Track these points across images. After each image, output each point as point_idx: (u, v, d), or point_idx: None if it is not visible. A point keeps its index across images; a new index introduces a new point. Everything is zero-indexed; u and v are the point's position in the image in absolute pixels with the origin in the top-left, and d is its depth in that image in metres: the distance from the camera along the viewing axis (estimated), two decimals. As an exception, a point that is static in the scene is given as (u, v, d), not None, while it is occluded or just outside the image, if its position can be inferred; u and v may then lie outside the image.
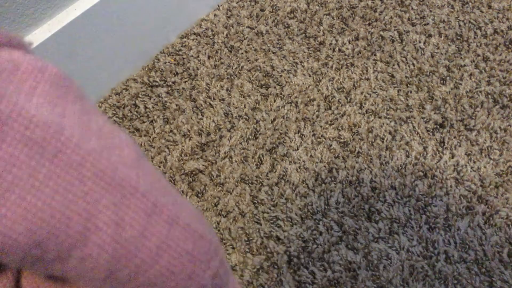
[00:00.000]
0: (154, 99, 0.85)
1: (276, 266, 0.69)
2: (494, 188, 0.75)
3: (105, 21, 0.77)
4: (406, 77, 0.87)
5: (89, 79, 0.81)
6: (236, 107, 0.84)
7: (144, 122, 0.83)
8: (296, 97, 0.85)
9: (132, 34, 0.84)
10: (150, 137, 0.81)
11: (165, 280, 0.24)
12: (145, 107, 0.84)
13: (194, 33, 0.94)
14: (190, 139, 0.80)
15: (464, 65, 0.89)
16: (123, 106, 0.85)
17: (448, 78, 0.87)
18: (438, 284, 0.67)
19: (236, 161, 0.78)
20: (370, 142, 0.80)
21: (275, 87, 0.86)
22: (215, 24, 0.95)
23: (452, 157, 0.78)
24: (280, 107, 0.84)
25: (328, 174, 0.76)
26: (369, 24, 0.94)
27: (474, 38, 0.93)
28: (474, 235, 0.71)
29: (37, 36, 0.69)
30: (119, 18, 0.79)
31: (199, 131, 0.81)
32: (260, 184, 0.76)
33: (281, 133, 0.81)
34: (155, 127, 0.82)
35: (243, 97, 0.85)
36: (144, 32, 0.86)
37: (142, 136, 0.81)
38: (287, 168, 0.77)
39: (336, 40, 0.91)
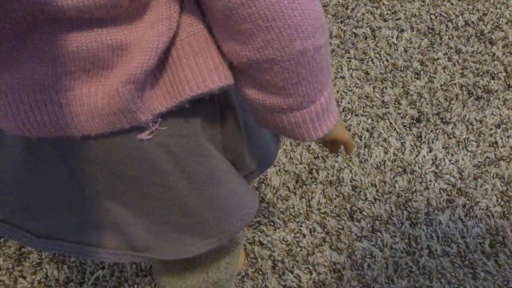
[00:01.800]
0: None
1: (260, 272, 0.68)
2: (473, 180, 0.75)
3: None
4: (380, 73, 0.87)
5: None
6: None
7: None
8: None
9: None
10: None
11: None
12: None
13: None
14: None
15: (438, 58, 0.89)
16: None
17: (422, 72, 0.87)
18: (423, 280, 0.67)
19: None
20: (349, 141, 0.79)
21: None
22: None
23: (430, 151, 0.78)
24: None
25: (308, 175, 0.76)
26: (341, 22, 0.94)
27: (446, 30, 0.94)
28: (456, 228, 0.71)
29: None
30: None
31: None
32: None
33: (259, 137, 0.80)
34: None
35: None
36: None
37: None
38: (267, 172, 0.76)
39: (310, 40, 0.91)
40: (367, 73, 0.87)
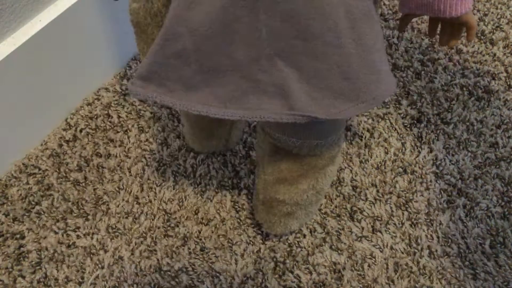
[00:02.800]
0: (128, 108, 0.83)
1: (261, 272, 0.68)
2: (473, 181, 0.75)
3: (72, 31, 0.75)
4: (381, 73, 0.87)
5: (59, 90, 0.79)
6: (212, 112, 0.82)
7: (118, 132, 0.81)
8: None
9: (101, 42, 0.82)
10: (125, 147, 0.79)
11: None
12: (119, 117, 0.82)
13: (166, 38, 0.92)
14: (168, 147, 0.79)
15: (438, 59, 0.89)
16: (95, 116, 0.82)
17: (422, 72, 0.87)
18: (423, 280, 0.67)
19: (214, 168, 0.77)
20: (349, 141, 0.79)
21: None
22: (187, 28, 0.94)
23: (431, 151, 0.78)
24: (257, 110, 0.83)
25: (308, 176, 0.76)
26: (342, 22, 0.94)
27: (446, 31, 0.93)
28: (456, 228, 0.71)
29: (1, 50, 0.67)
30: (87, 27, 0.77)
31: (176, 139, 0.80)
32: (240, 189, 0.75)
33: (259, 136, 0.80)
34: (130, 137, 0.80)
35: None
36: (114, 40, 0.84)
37: (116, 147, 0.79)
38: (267, 172, 0.76)
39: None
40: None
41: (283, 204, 0.60)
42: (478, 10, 0.97)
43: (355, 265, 0.68)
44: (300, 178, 0.57)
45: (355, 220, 0.72)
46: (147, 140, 0.80)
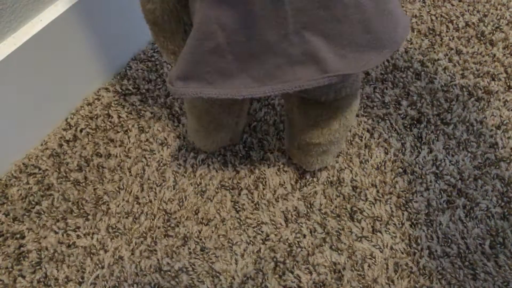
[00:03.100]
0: (128, 108, 0.83)
1: (261, 272, 0.68)
2: (473, 181, 0.75)
3: (73, 31, 0.75)
4: (381, 74, 0.87)
5: (59, 90, 0.79)
6: (213, 112, 0.83)
7: (118, 132, 0.81)
8: (272, 99, 0.84)
9: (101, 42, 0.82)
10: (125, 147, 0.79)
11: None
12: (119, 117, 0.82)
13: (166, 38, 0.92)
14: (168, 147, 0.79)
15: (438, 59, 0.89)
16: (95, 116, 0.82)
17: (422, 73, 0.87)
18: (423, 280, 0.67)
19: (215, 168, 0.77)
20: (349, 141, 0.79)
21: (251, 90, 0.85)
22: (187, 28, 0.94)
23: (430, 152, 0.78)
24: (257, 110, 0.83)
25: (308, 176, 0.76)
26: (342, 22, 0.94)
27: (447, 31, 0.94)
28: (456, 229, 0.71)
29: (2, 49, 0.67)
30: (87, 27, 0.77)
31: (176, 139, 0.80)
32: (240, 189, 0.75)
33: (259, 138, 0.80)
34: (130, 137, 0.80)
35: (219, 102, 0.84)
36: (114, 40, 0.84)
37: (117, 147, 0.79)
38: (266, 172, 0.76)
39: (310, 40, 0.91)
40: (367, 73, 0.87)
41: (319, 146, 0.66)
42: (478, 11, 0.97)
43: (355, 265, 0.68)
44: (330, 120, 0.62)
45: (355, 220, 0.72)
46: (147, 140, 0.80)
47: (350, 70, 0.48)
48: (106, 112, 0.83)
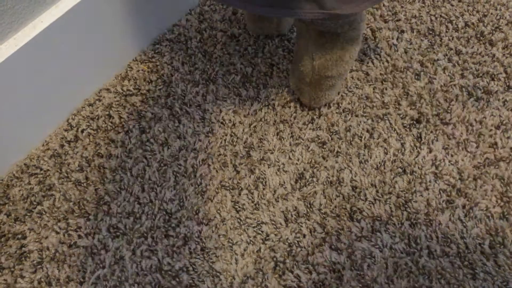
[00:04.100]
0: (129, 109, 0.84)
1: (261, 271, 0.68)
2: (472, 181, 0.76)
3: (73, 32, 0.75)
4: (380, 74, 0.87)
5: (60, 91, 0.79)
6: (212, 112, 0.83)
7: (119, 132, 0.81)
8: (272, 99, 0.84)
9: (103, 43, 0.82)
10: (126, 147, 0.79)
11: None
12: (120, 117, 0.83)
13: (167, 39, 0.93)
14: (168, 148, 0.79)
15: (438, 59, 0.89)
16: (97, 117, 0.83)
17: (422, 73, 0.88)
18: (423, 280, 0.67)
19: (215, 168, 0.77)
20: (349, 141, 0.80)
21: (252, 90, 0.85)
22: (188, 29, 0.94)
23: (430, 151, 0.79)
24: (257, 110, 0.83)
25: (308, 176, 0.76)
26: (342, 23, 0.94)
27: (446, 32, 0.94)
28: (455, 228, 0.72)
29: (3, 51, 0.67)
30: (88, 28, 0.77)
31: (177, 139, 0.80)
32: (240, 189, 0.75)
33: (259, 138, 0.80)
34: (131, 137, 0.81)
35: (220, 102, 0.84)
36: (115, 41, 0.85)
37: (118, 147, 0.79)
38: (266, 172, 0.76)
39: (310, 40, 0.91)
40: (367, 74, 0.87)
41: (330, 79, 0.73)
42: (478, 11, 0.97)
43: (354, 265, 0.69)
44: (343, 51, 0.69)
45: (354, 220, 0.72)
46: (148, 140, 0.80)
47: (345, 11, 0.55)
48: (107, 112, 0.83)
